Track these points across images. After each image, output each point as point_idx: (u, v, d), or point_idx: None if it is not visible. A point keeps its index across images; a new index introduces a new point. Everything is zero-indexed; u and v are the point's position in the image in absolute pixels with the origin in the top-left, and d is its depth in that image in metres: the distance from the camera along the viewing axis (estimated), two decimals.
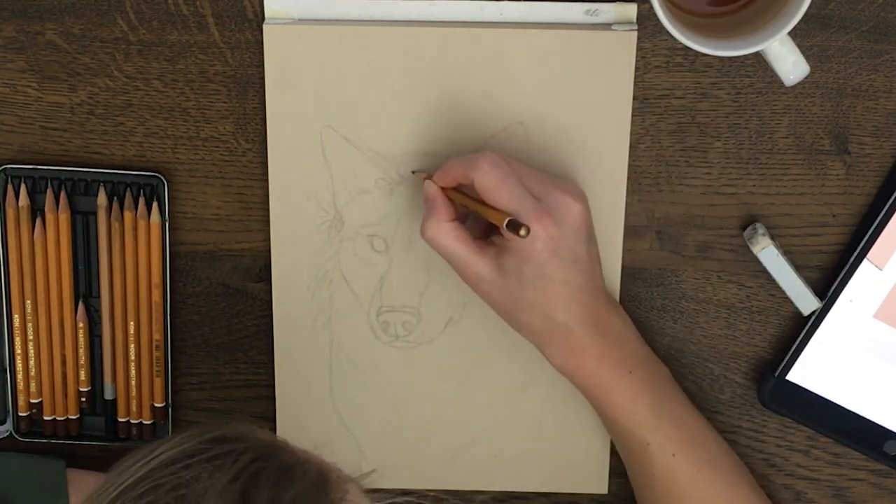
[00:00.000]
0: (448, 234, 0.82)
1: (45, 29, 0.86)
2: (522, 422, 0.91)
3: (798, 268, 0.87)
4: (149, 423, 0.92)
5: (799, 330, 0.89)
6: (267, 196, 0.88)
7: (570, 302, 0.81)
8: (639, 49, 0.85)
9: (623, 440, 0.86)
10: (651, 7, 0.76)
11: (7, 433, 0.93)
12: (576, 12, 0.85)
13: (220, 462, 0.61)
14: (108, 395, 0.92)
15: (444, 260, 0.83)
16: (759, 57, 0.79)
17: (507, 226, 0.77)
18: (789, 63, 0.78)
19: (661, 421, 0.84)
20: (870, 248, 0.86)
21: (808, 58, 0.79)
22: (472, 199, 0.81)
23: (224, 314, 0.91)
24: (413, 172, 0.86)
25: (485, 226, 0.85)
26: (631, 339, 0.85)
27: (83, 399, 0.92)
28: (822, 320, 0.88)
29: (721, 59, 0.85)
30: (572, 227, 0.81)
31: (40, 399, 0.92)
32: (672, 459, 0.84)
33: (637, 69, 0.85)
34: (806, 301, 0.87)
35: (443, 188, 0.82)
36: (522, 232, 0.77)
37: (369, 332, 0.90)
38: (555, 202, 0.80)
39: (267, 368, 0.92)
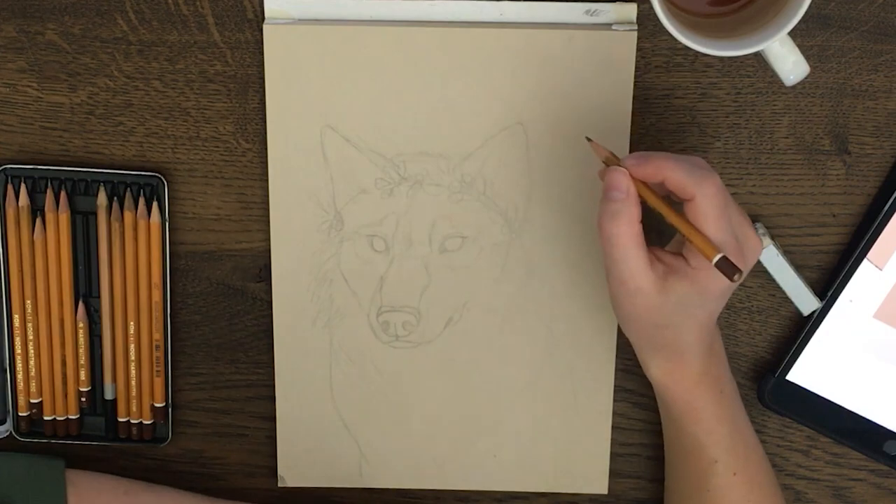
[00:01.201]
0: (634, 238, 0.75)
1: (45, 29, 0.86)
2: (522, 422, 0.91)
3: (798, 268, 0.87)
4: (149, 423, 0.92)
5: (799, 330, 0.89)
6: (267, 196, 0.88)
7: (702, 328, 0.80)
8: (639, 49, 0.85)
9: (689, 453, 0.85)
10: (651, 7, 0.76)
11: (7, 433, 0.93)
12: (576, 12, 0.85)
13: None
14: (108, 395, 0.92)
15: (605, 258, 0.77)
16: (759, 57, 0.79)
17: (716, 263, 0.73)
18: (789, 63, 0.78)
19: (734, 440, 0.84)
20: (870, 248, 0.86)
21: (808, 58, 0.79)
22: (669, 208, 0.75)
23: (224, 314, 0.91)
24: (588, 139, 0.79)
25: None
26: (724, 359, 0.85)
27: (83, 399, 0.92)
28: (822, 320, 0.88)
29: (721, 59, 0.85)
30: (749, 269, 0.79)
31: (40, 399, 0.92)
32: (732, 478, 0.84)
33: (637, 69, 0.85)
34: (806, 301, 0.87)
35: (637, 183, 0.75)
36: (736, 277, 0.72)
37: (369, 332, 0.90)
38: (746, 240, 0.77)
39: (267, 368, 0.92)
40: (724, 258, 0.73)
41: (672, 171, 0.75)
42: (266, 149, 0.87)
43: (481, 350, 0.90)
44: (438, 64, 0.85)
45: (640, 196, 0.75)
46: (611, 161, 0.77)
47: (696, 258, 0.76)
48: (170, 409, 0.92)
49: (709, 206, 0.74)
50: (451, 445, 0.92)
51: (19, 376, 0.91)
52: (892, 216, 0.86)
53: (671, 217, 0.75)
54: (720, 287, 0.77)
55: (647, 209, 0.76)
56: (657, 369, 0.82)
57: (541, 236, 0.88)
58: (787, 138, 0.87)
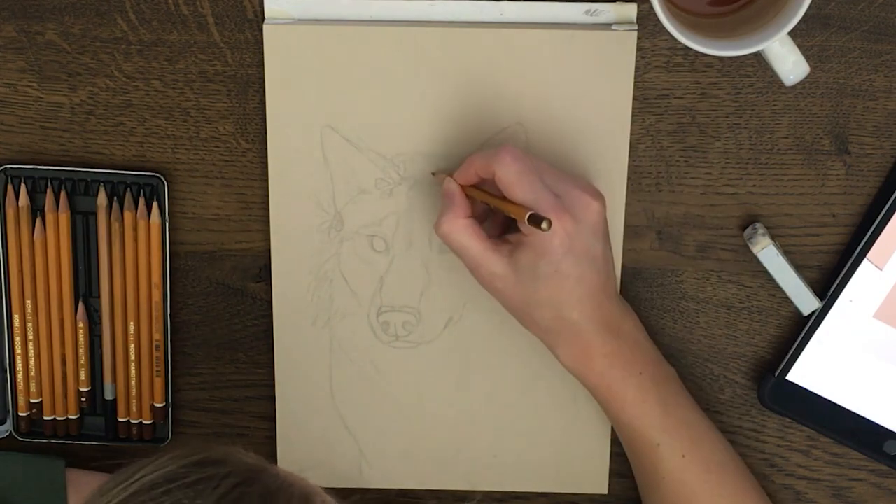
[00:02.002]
0: (463, 230, 0.81)
1: (45, 29, 0.86)
2: (522, 422, 0.91)
3: (798, 268, 0.87)
4: (149, 423, 0.92)
5: (799, 330, 0.89)
6: (267, 196, 0.88)
7: (583, 300, 0.81)
8: (639, 49, 0.85)
9: (632, 441, 0.86)
10: (651, 7, 0.76)
11: (7, 433, 0.93)
12: (576, 12, 0.85)
13: (201, 487, 0.60)
14: (108, 395, 0.92)
15: (458, 257, 0.83)
16: (759, 57, 0.79)
17: (528, 219, 0.77)
18: (789, 63, 0.78)
19: (671, 421, 0.84)
20: (870, 248, 0.86)
21: (808, 58, 0.79)
22: (491, 194, 0.81)
23: (224, 314, 0.91)
24: (433, 174, 0.86)
25: (501, 226, 0.85)
26: (641, 341, 0.85)
27: (83, 399, 0.92)
28: (822, 320, 0.88)
29: (721, 59, 0.85)
30: (589, 225, 0.81)
31: (40, 399, 0.92)
32: (681, 460, 0.84)
33: (637, 69, 0.85)
34: (806, 301, 0.87)
35: (462, 186, 0.82)
36: (544, 225, 0.76)
37: (369, 332, 0.90)
38: (574, 199, 0.80)
39: (267, 368, 0.92)
40: (532, 214, 0.77)
41: (473, 161, 0.81)
42: (266, 149, 0.87)
43: (481, 350, 0.90)
44: (438, 64, 0.85)
45: (472, 198, 0.82)
46: (440, 177, 0.84)
47: (524, 227, 0.79)
48: (170, 409, 0.92)
49: (506, 173, 0.79)
50: (451, 445, 0.92)
51: (19, 376, 0.91)
52: (892, 216, 0.86)
53: (491, 200, 0.81)
54: (555, 245, 0.79)
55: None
56: (564, 357, 0.83)
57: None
58: (787, 138, 0.87)
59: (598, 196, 0.82)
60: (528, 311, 0.82)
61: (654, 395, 0.84)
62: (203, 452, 0.63)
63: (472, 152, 0.83)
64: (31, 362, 0.91)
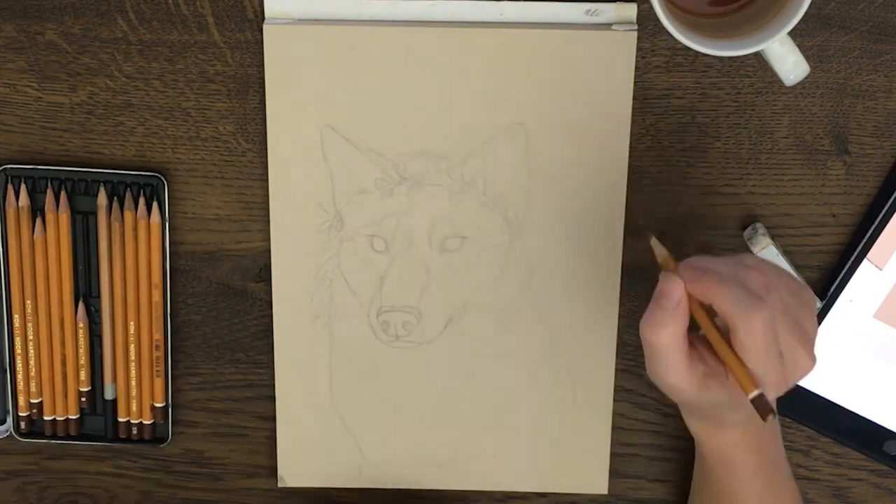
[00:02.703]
0: (678, 346, 0.72)
1: (45, 29, 0.86)
2: (522, 422, 0.91)
3: (798, 268, 0.87)
4: (149, 423, 0.92)
5: None
6: (267, 196, 0.88)
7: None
8: (639, 49, 0.85)
9: (719, 497, 0.83)
10: (651, 7, 0.76)
11: (7, 433, 0.93)
12: (576, 12, 0.85)
13: None
14: (108, 395, 0.92)
15: (647, 353, 0.73)
16: (759, 57, 0.79)
17: (752, 399, 0.70)
18: (789, 63, 0.78)
19: (769, 488, 0.82)
20: (870, 248, 0.86)
21: (808, 58, 0.79)
22: (713, 328, 0.72)
23: (224, 314, 0.91)
24: (653, 237, 0.75)
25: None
26: (769, 427, 0.82)
27: (83, 399, 0.92)
28: (822, 320, 0.88)
29: (721, 59, 0.85)
30: (791, 385, 0.74)
31: (40, 399, 0.92)
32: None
33: (637, 69, 0.85)
34: None
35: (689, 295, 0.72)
36: (769, 419, 0.69)
37: (369, 332, 0.90)
38: (796, 364, 0.73)
39: (267, 368, 0.92)
40: (761, 396, 0.70)
41: (720, 299, 0.71)
42: (266, 149, 0.87)
43: (481, 350, 0.90)
44: (438, 64, 0.85)
45: (690, 308, 0.72)
46: (668, 264, 0.74)
47: (737, 390, 0.72)
48: (170, 409, 0.92)
49: (752, 341, 0.70)
50: (450, 445, 0.92)
51: (19, 376, 0.91)
52: (892, 216, 0.86)
53: (713, 339, 0.72)
54: (749, 410, 0.71)
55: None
56: (696, 427, 0.81)
57: (541, 236, 0.88)
58: (787, 138, 0.87)
59: (814, 359, 0.73)
60: (688, 413, 0.79)
61: (764, 471, 0.81)
62: None
63: (719, 275, 0.71)
64: (31, 362, 0.91)
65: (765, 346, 0.70)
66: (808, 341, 0.73)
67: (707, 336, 0.72)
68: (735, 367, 0.71)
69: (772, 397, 0.71)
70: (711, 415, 0.78)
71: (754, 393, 0.70)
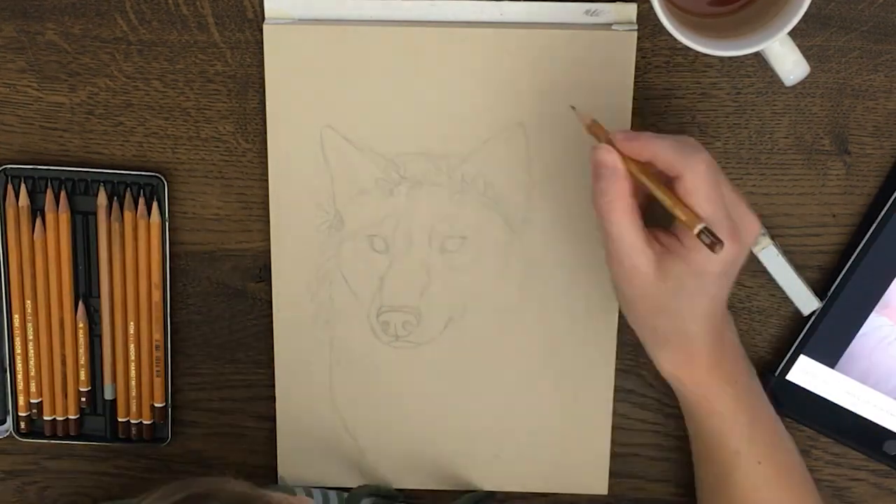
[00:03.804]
0: (627, 214, 0.74)
1: (45, 29, 0.86)
2: (522, 422, 0.91)
3: (798, 268, 0.87)
4: (149, 423, 0.92)
5: (799, 330, 0.89)
6: (267, 196, 0.88)
7: (707, 315, 0.78)
8: (639, 49, 0.85)
9: (710, 445, 0.84)
10: (651, 7, 0.76)
11: (7, 433, 0.93)
12: (576, 12, 0.85)
13: None
14: (108, 395, 0.92)
15: (603, 239, 0.76)
16: (759, 57, 0.79)
17: (700, 233, 0.72)
18: (789, 63, 0.78)
19: (755, 430, 0.83)
20: (869, 248, 0.86)
21: (808, 58, 0.79)
22: (656, 182, 0.74)
23: (224, 314, 0.91)
24: (573, 107, 0.78)
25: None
26: (737, 349, 0.84)
27: (83, 399, 0.92)
28: (822, 320, 0.88)
29: (721, 59, 0.85)
30: (747, 249, 0.78)
31: (40, 399, 0.92)
32: (757, 467, 0.83)
33: (637, 69, 0.85)
34: (806, 301, 0.87)
35: (624, 158, 0.75)
36: (718, 249, 0.71)
37: (369, 332, 0.90)
38: (742, 220, 0.76)
39: (267, 368, 0.92)
40: (706, 228, 0.72)
41: (660, 148, 0.74)
42: (266, 149, 0.87)
43: (481, 350, 0.90)
44: (438, 64, 0.85)
45: (633, 173, 0.75)
46: (595, 129, 0.76)
47: (688, 238, 0.74)
48: (170, 409, 0.92)
49: (698, 181, 0.73)
50: (451, 445, 0.92)
51: (19, 376, 0.91)
52: (892, 216, 0.86)
53: (657, 191, 0.74)
54: (715, 268, 0.75)
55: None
56: (667, 363, 0.81)
57: (541, 236, 0.88)
58: (787, 138, 0.87)
59: (758, 220, 0.79)
60: (651, 316, 0.79)
61: (744, 405, 0.83)
62: (187, 489, 0.62)
63: (647, 132, 0.76)
64: (31, 362, 0.91)
65: (710, 187, 0.73)
66: (746, 204, 0.76)
67: (648, 186, 0.74)
68: (680, 208, 0.73)
69: (730, 250, 0.73)
70: (675, 318, 0.78)
71: (699, 226, 0.71)
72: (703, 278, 0.76)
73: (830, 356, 0.88)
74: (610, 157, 0.74)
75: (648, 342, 0.82)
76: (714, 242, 0.71)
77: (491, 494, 0.92)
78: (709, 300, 0.78)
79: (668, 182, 0.75)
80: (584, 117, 0.77)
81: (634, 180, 0.75)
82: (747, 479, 0.83)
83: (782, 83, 0.79)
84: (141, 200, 0.88)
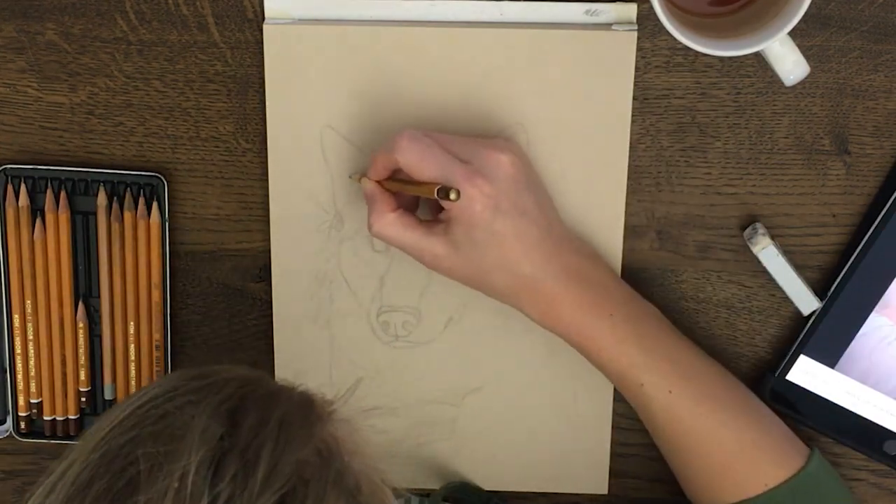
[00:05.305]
0: (393, 223, 0.82)
1: (45, 29, 0.86)
2: (522, 422, 0.91)
3: (798, 268, 0.87)
4: None
5: (799, 330, 0.89)
6: (267, 196, 0.88)
7: (529, 253, 0.81)
8: (639, 49, 0.85)
9: (619, 384, 0.85)
10: (651, 7, 0.76)
11: (7, 433, 0.93)
12: (576, 12, 0.85)
13: (204, 393, 0.62)
14: (108, 395, 0.92)
15: (400, 251, 0.83)
16: (759, 57, 0.79)
17: (437, 194, 0.77)
18: (789, 63, 0.78)
19: (652, 358, 0.83)
20: (870, 248, 0.86)
21: (808, 58, 0.79)
22: (405, 182, 0.82)
23: (224, 314, 0.91)
24: (350, 177, 0.87)
25: (436, 208, 0.85)
26: (609, 283, 0.85)
27: (83, 399, 0.92)
28: (822, 320, 0.88)
29: (721, 59, 0.85)
30: (507, 180, 0.80)
31: (40, 399, 0.92)
32: (669, 396, 0.83)
33: (637, 69, 0.85)
34: (806, 301, 0.87)
35: (379, 182, 0.83)
36: (452, 196, 0.77)
37: (369, 332, 0.90)
38: (482, 160, 0.80)
39: (267, 368, 0.92)
40: (440, 188, 0.77)
41: (379, 157, 0.82)
42: (266, 149, 0.87)
43: (481, 350, 0.90)
44: (438, 64, 0.85)
45: (391, 190, 0.82)
46: (361, 178, 0.84)
47: (443, 203, 0.80)
48: None
49: (406, 156, 0.80)
50: (450, 445, 0.92)
51: (19, 376, 0.91)
52: (892, 216, 0.85)
53: (407, 188, 0.81)
54: (477, 209, 0.79)
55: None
56: (532, 313, 0.83)
57: None
58: (787, 138, 0.87)
59: (507, 149, 0.81)
60: (484, 280, 0.82)
61: (630, 335, 0.83)
62: (201, 368, 0.65)
63: (376, 149, 0.83)
64: (31, 362, 0.91)
65: (420, 154, 0.79)
66: (490, 145, 0.81)
67: (403, 190, 0.82)
68: (418, 188, 0.80)
69: (478, 189, 0.79)
70: (501, 271, 0.81)
71: (435, 189, 0.77)
72: (478, 225, 0.80)
73: (830, 356, 0.88)
74: (367, 185, 0.83)
75: (511, 304, 0.84)
76: (448, 192, 0.77)
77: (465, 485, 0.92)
78: (513, 239, 0.80)
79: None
80: (355, 178, 0.86)
81: (395, 194, 0.83)
82: (664, 411, 0.83)
83: (782, 83, 0.79)
84: (141, 200, 0.88)
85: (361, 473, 0.64)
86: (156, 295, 0.90)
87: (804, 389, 0.89)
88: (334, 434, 0.65)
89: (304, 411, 0.64)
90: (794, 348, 0.88)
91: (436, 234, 0.82)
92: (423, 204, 0.85)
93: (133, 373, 0.91)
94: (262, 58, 0.86)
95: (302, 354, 0.91)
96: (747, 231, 0.87)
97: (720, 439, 0.83)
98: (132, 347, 0.91)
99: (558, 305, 0.82)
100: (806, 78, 0.79)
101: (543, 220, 0.82)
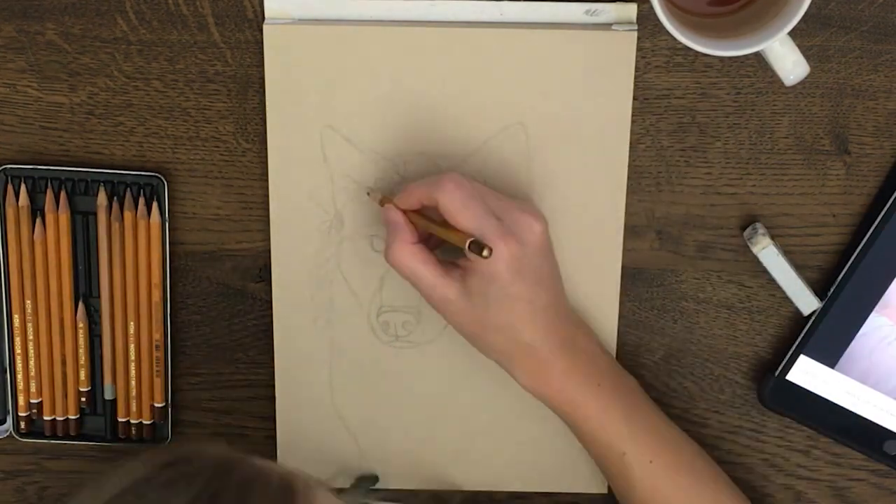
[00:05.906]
0: (413, 256, 0.81)
1: (45, 29, 0.86)
2: (522, 422, 0.91)
3: (798, 268, 0.87)
4: (149, 423, 0.92)
5: (799, 330, 0.89)
6: (267, 196, 0.88)
7: (535, 321, 0.82)
8: (639, 49, 0.85)
9: (599, 453, 0.86)
10: (651, 7, 0.76)
11: (7, 433, 0.93)
12: (576, 12, 0.85)
13: (175, 487, 0.59)
14: (108, 395, 0.92)
15: (411, 283, 0.82)
16: (759, 57, 0.79)
17: (469, 246, 0.78)
18: (789, 63, 0.78)
19: (635, 429, 0.84)
20: (870, 248, 0.86)
21: (808, 58, 0.79)
22: (434, 222, 0.81)
23: (224, 314, 0.91)
24: (368, 194, 0.86)
25: (454, 249, 0.84)
26: (597, 353, 0.86)
27: (83, 399, 0.92)
28: (822, 320, 0.88)
29: (721, 59, 0.85)
30: (534, 247, 0.81)
31: (40, 399, 0.92)
32: (650, 466, 0.84)
33: (637, 69, 0.85)
34: (806, 301, 0.87)
35: (405, 212, 0.82)
36: (485, 253, 0.77)
37: (369, 332, 0.90)
38: (516, 222, 0.81)
39: (267, 368, 0.92)
40: (473, 241, 0.78)
41: (414, 189, 0.81)
42: (266, 149, 0.87)
43: None
44: (438, 64, 0.85)
45: (415, 223, 0.82)
46: (385, 200, 0.83)
47: (468, 253, 0.79)
48: (170, 409, 0.92)
49: (450, 201, 0.79)
50: (450, 445, 0.92)
51: (19, 376, 0.91)
52: (892, 216, 0.86)
53: (434, 228, 0.81)
54: (501, 269, 0.79)
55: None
56: (522, 378, 0.84)
57: None
58: (787, 138, 0.87)
59: (540, 217, 0.82)
60: (483, 335, 0.83)
61: (615, 405, 0.84)
62: (171, 453, 0.62)
63: (414, 181, 0.83)
64: (31, 362, 0.91)
65: (463, 201, 0.79)
66: (525, 209, 0.81)
67: (431, 230, 0.81)
68: (448, 233, 0.80)
69: (508, 249, 0.79)
70: (503, 330, 0.81)
71: (468, 241, 0.78)
72: (497, 283, 0.80)
73: (830, 356, 0.88)
74: (392, 214, 0.82)
75: (501, 364, 0.84)
76: (482, 248, 0.77)
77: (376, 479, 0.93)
78: (525, 304, 0.81)
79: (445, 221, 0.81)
80: (374, 196, 0.85)
81: (421, 229, 0.82)
82: (643, 480, 0.84)
83: (782, 83, 0.79)
84: (141, 200, 0.88)
85: None
86: (156, 295, 0.90)
87: (804, 389, 0.89)
88: None
89: (283, 499, 0.62)
90: (794, 348, 0.89)
91: (452, 277, 0.81)
92: (441, 248, 0.85)
93: (133, 373, 0.91)
94: (262, 58, 0.86)
95: (302, 354, 0.91)
96: (747, 231, 0.87)
97: None
98: (132, 347, 0.91)
99: (549, 372, 0.83)
100: (806, 78, 0.79)
101: (552, 291, 0.83)
